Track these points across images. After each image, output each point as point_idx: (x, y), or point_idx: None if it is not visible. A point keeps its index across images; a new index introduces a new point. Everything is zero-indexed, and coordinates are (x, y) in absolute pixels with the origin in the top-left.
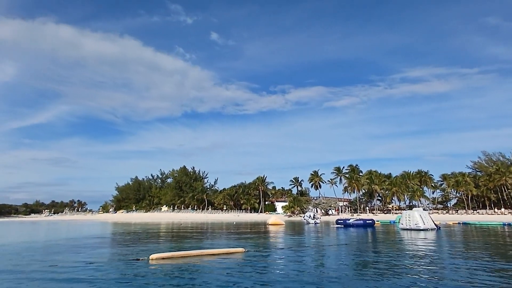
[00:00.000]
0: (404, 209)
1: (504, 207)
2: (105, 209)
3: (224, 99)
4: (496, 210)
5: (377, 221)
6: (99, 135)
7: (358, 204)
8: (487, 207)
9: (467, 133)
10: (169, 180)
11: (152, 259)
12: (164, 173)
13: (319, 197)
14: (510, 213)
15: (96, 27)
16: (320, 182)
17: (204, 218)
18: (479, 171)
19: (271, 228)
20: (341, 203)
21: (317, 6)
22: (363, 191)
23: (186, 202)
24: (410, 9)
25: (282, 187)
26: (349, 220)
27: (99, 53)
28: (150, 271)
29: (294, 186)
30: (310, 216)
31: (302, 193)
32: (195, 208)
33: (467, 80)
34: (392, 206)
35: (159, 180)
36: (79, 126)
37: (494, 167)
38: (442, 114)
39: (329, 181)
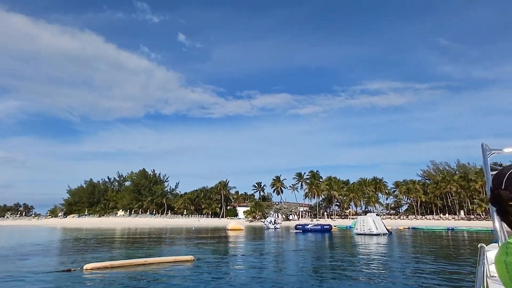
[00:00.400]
0: (361, 215)
1: (448, 213)
2: (54, 213)
3: (190, 101)
4: (441, 215)
5: (335, 226)
6: (53, 134)
7: (317, 209)
8: (434, 213)
9: (419, 143)
10: (127, 183)
11: (86, 269)
12: (122, 175)
13: (281, 202)
14: (454, 218)
15: (54, 19)
16: (282, 187)
17: (163, 223)
18: (427, 179)
19: (230, 233)
20: (301, 208)
21: (285, 16)
22: (323, 196)
23: (144, 206)
24: (371, 25)
25: (245, 192)
26: (307, 225)
27: (56, 47)
28: (79, 284)
29: (257, 191)
30: (271, 221)
31: (264, 198)
32: (154, 212)
33: (420, 95)
34: (350, 211)
35: (116, 183)
36: (30, 124)
37: (440, 175)
38: (398, 125)
39: (291, 186)
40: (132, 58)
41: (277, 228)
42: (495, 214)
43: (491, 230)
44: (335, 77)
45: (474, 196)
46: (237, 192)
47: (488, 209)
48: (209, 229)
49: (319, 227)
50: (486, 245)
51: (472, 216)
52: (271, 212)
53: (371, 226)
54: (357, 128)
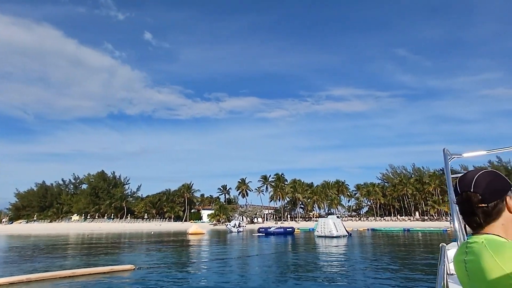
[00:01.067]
0: (324, 217)
1: (405, 214)
2: None
3: (156, 102)
4: (398, 217)
5: (298, 228)
6: (1, 133)
7: (282, 212)
8: (392, 214)
9: (379, 148)
10: (84, 186)
11: None
12: (79, 178)
13: (246, 205)
14: (409, 219)
15: (5, 9)
16: (247, 190)
17: (121, 228)
18: (386, 182)
19: (191, 237)
20: (266, 211)
21: (254, 21)
22: (288, 199)
23: (101, 210)
24: (335, 35)
25: (210, 195)
26: (270, 228)
27: (8, 39)
28: None
29: (222, 194)
30: (235, 224)
31: (229, 201)
32: (113, 217)
33: (380, 102)
34: (314, 213)
35: (72, 186)
36: None
37: (398, 178)
38: (360, 130)
39: (256, 189)
40: (94, 55)
41: (240, 231)
42: (455, 214)
43: (443, 230)
44: (301, 82)
45: (428, 198)
46: (202, 195)
47: (440, 210)
48: (170, 234)
49: (282, 230)
50: (446, 244)
51: (426, 217)
52: (235, 215)
53: (331, 228)
54: (322, 132)
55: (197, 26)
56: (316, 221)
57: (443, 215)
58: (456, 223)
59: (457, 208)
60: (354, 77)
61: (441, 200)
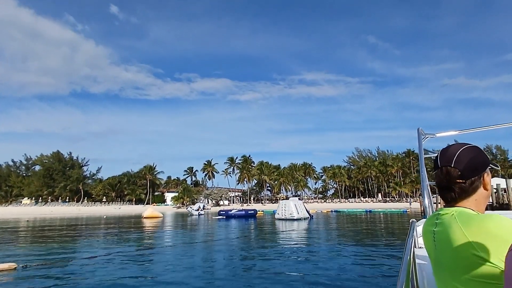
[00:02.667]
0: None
1: (368, 196)
2: None
3: (123, 81)
4: (362, 198)
5: (261, 211)
6: None
7: (248, 195)
8: (356, 196)
9: (348, 133)
10: (37, 168)
11: None
12: (31, 158)
13: (212, 187)
14: (372, 201)
15: None
16: (213, 172)
17: (76, 212)
18: (352, 165)
19: (145, 221)
20: (232, 194)
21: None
22: (255, 181)
23: (55, 194)
24: (310, 18)
25: (177, 177)
26: (231, 211)
27: None
28: None
29: (188, 176)
30: (199, 207)
31: (197, 184)
32: (68, 200)
33: (350, 88)
34: (281, 196)
35: (23, 167)
36: None
37: (363, 161)
38: (330, 115)
39: (223, 171)
40: (54, 27)
41: (201, 214)
42: (426, 192)
43: (403, 211)
44: (274, 65)
45: (390, 180)
46: (169, 178)
47: (401, 192)
48: (124, 217)
49: (243, 212)
50: (417, 221)
51: (387, 199)
52: (201, 197)
53: (292, 210)
54: (294, 116)
55: (167, 1)
56: None
57: (404, 197)
58: (426, 201)
59: (429, 184)
60: (326, 62)
61: (402, 182)
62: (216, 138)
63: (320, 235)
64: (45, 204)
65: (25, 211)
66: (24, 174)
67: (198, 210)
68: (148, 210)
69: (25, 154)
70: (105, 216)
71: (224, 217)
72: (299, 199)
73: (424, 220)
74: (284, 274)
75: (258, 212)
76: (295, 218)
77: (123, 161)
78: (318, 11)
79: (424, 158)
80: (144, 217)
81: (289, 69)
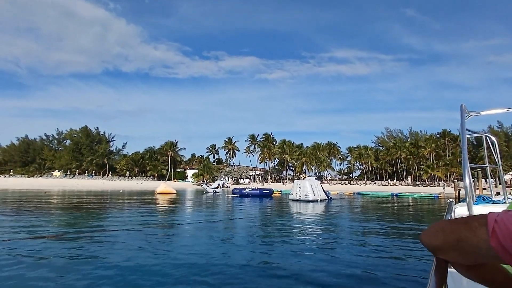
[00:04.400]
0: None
1: (396, 179)
2: None
3: (152, 59)
4: (389, 181)
5: (278, 191)
6: None
7: (269, 174)
8: (384, 179)
9: (379, 114)
10: (68, 142)
11: None
12: (62, 133)
13: (232, 165)
14: (401, 184)
15: None
16: (235, 150)
17: (100, 185)
18: (381, 146)
19: (159, 197)
20: (252, 172)
21: None
22: (276, 160)
23: (83, 167)
24: None
25: (201, 155)
26: (244, 190)
27: None
28: None
29: (211, 154)
30: (218, 185)
31: (219, 162)
32: (94, 173)
33: (384, 66)
34: (304, 176)
35: (55, 141)
36: None
37: (392, 142)
38: (360, 95)
39: (245, 149)
40: (86, 6)
41: (217, 192)
42: (467, 174)
43: (434, 196)
44: (303, 42)
45: (422, 163)
46: (193, 155)
47: (433, 175)
48: (141, 193)
49: (258, 191)
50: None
51: (417, 182)
52: (221, 175)
53: (307, 191)
54: (322, 95)
55: None
56: None
57: (436, 181)
58: (467, 183)
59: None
60: (358, 38)
61: (435, 165)
62: (243, 117)
63: (334, 220)
64: (73, 177)
65: (54, 183)
66: (56, 148)
67: (217, 187)
68: (161, 186)
69: (57, 128)
70: (121, 191)
71: (238, 195)
72: (318, 179)
73: (462, 203)
74: (279, 268)
75: (274, 192)
76: (310, 199)
77: (151, 138)
78: None
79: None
80: (157, 193)
81: (318, 46)
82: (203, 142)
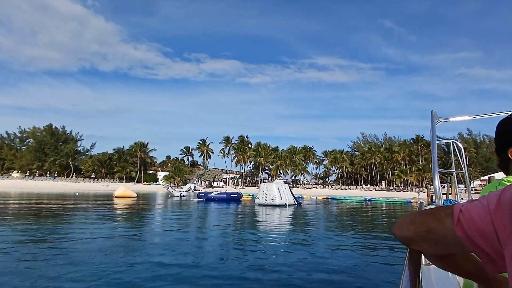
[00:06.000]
0: (289, 183)
1: (371, 184)
2: None
3: (132, 59)
4: (364, 186)
5: (250, 194)
6: None
7: (243, 177)
8: (359, 184)
9: (357, 121)
10: (32, 141)
11: None
12: (25, 131)
13: (205, 168)
14: (375, 189)
15: None
16: (209, 152)
17: (61, 187)
18: (356, 151)
19: (117, 201)
20: (227, 175)
21: None
22: (252, 163)
23: (45, 168)
24: (323, 0)
25: (176, 157)
26: (210, 193)
27: None
28: None
29: (185, 156)
30: (190, 188)
31: (194, 164)
32: (57, 175)
33: (362, 74)
34: (279, 179)
35: (17, 140)
36: None
37: (367, 146)
38: (339, 101)
39: (221, 152)
40: (63, 1)
41: (183, 196)
42: (437, 177)
43: (407, 202)
44: (285, 48)
45: (395, 168)
46: (168, 157)
47: (407, 180)
48: (99, 196)
49: (224, 196)
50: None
51: (391, 187)
52: (194, 178)
53: (274, 195)
54: (302, 101)
55: None
56: None
57: (409, 186)
58: (436, 186)
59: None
60: (338, 46)
61: (408, 170)
62: (223, 120)
63: (300, 227)
64: (33, 178)
65: (10, 184)
66: (18, 147)
67: (188, 190)
68: (120, 189)
69: (19, 126)
70: (76, 194)
71: (204, 200)
72: (287, 182)
73: (432, 206)
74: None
75: (245, 196)
76: (277, 204)
77: (128, 139)
78: None
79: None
80: (115, 197)
81: (300, 53)
82: (182, 145)
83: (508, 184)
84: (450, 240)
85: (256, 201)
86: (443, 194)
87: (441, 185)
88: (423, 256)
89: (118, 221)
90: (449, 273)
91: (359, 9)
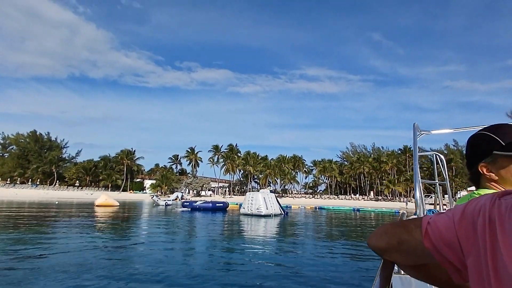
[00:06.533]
0: (278, 192)
1: (360, 194)
2: None
3: (122, 66)
4: (352, 196)
5: (237, 204)
6: None
7: (231, 186)
8: (348, 193)
9: (346, 130)
10: (15, 148)
11: None
12: (8, 137)
13: (193, 176)
14: (363, 198)
15: None
16: (198, 161)
17: (43, 196)
18: (345, 160)
19: (98, 210)
20: (215, 184)
21: None
22: (241, 172)
23: (27, 175)
24: (314, 13)
25: (164, 165)
26: (196, 202)
27: None
28: None
29: (173, 164)
30: (177, 196)
31: (182, 172)
32: (40, 182)
33: (352, 85)
34: (269, 189)
35: (0, 147)
36: None
37: (356, 156)
38: (329, 112)
39: (210, 160)
40: (54, 7)
41: (168, 205)
42: (418, 188)
43: (395, 212)
44: (276, 59)
45: (384, 178)
46: (157, 165)
47: (395, 190)
48: (80, 204)
49: (210, 205)
50: (407, 215)
51: (380, 197)
52: (181, 186)
53: (260, 204)
54: (293, 111)
55: None
56: None
57: (397, 196)
58: (417, 197)
59: (422, 182)
60: (329, 58)
61: (396, 180)
62: (214, 129)
63: (284, 238)
64: (13, 186)
65: None
66: (1, 154)
67: (175, 199)
68: (101, 198)
69: (2, 132)
70: (56, 202)
71: (189, 209)
72: (270, 191)
73: (414, 216)
74: None
75: (231, 205)
76: (262, 214)
77: (117, 147)
78: (323, 4)
79: (418, 155)
80: (97, 205)
81: (290, 63)
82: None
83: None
84: (420, 251)
85: (241, 210)
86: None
87: (429, 196)
88: (397, 267)
89: (92, 232)
90: (419, 281)
91: (349, 22)
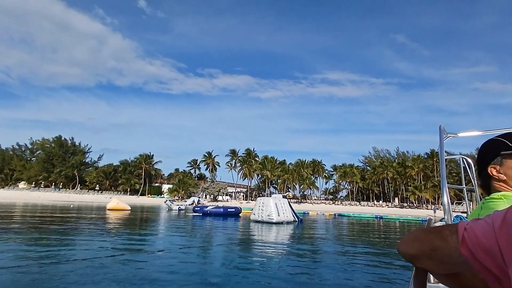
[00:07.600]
0: (297, 198)
1: (383, 200)
2: None
3: (147, 74)
4: (375, 202)
5: (251, 209)
6: None
7: (249, 191)
8: (370, 200)
9: (369, 135)
10: (41, 153)
11: None
12: (35, 142)
13: (210, 181)
14: (387, 205)
15: None
16: (215, 165)
17: (64, 199)
18: (368, 165)
19: (110, 214)
20: (232, 189)
21: None
22: (259, 177)
23: (50, 179)
24: (335, 15)
25: (184, 170)
26: (206, 207)
27: None
28: None
29: (192, 169)
30: (194, 201)
31: (201, 177)
32: (63, 186)
33: (375, 89)
34: (288, 195)
35: (28, 152)
36: None
37: (379, 161)
38: (351, 116)
39: (227, 165)
40: (83, 19)
41: (181, 209)
42: (446, 194)
43: (422, 220)
44: (297, 63)
45: (409, 183)
46: (177, 170)
47: (421, 197)
48: (92, 208)
49: (222, 210)
50: (435, 220)
51: (405, 204)
52: (198, 191)
53: (271, 211)
54: (314, 116)
55: None
56: None
57: (424, 203)
58: (445, 202)
59: (449, 188)
60: (350, 61)
61: (423, 186)
62: (235, 134)
63: (294, 249)
64: (37, 189)
65: (14, 195)
66: (28, 158)
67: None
68: (113, 201)
69: (31, 138)
70: (71, 205)
71: (200, 214)
72: (283, 196)
73: (441, 222)
74: None
75: (244, 211)
76: (273, 221)
77: (140, 152)
78: (343, 8)
79: (446, 160)
80: (108, 209)
81: (311, 68)
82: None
83: (491, 202)
84: (455, 258)
85: (252, 217)
86: (463, 212)
87: (460, 203)
88: (431, 275)
89: (92, 236)
90: None
91: (371, 24)
